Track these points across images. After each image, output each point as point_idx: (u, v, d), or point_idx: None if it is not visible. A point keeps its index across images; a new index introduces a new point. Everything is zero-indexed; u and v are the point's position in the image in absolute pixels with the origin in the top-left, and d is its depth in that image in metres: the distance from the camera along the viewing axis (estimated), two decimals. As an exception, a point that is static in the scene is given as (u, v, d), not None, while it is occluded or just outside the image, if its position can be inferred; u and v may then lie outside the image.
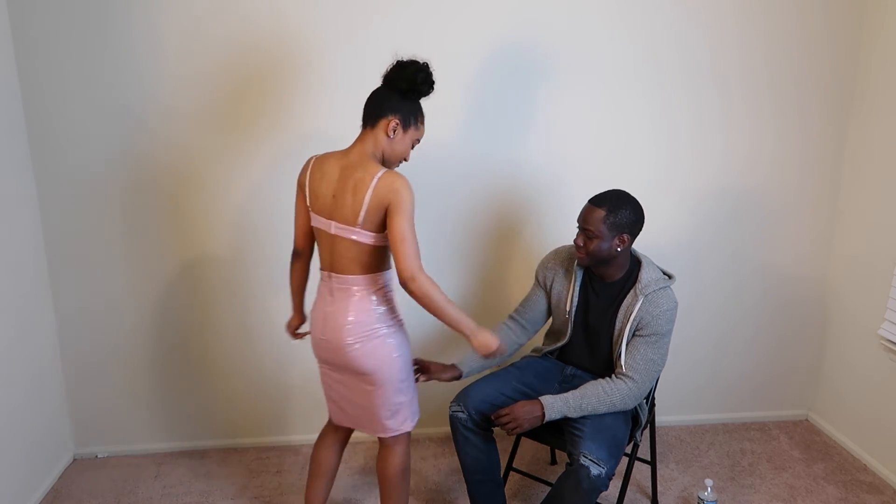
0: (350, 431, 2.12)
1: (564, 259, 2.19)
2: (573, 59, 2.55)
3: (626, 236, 1.99)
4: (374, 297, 1.86)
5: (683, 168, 2.70)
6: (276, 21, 2.39)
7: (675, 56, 2.58)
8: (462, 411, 2.06)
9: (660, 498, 2.46)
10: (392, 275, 1.89)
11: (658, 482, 2.49)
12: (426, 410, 2.81)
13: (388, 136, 1.80)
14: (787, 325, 2.93)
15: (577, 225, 2.03)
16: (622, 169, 2.66)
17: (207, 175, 2.51)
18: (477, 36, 2.49)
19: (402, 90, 1.79)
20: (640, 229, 2.04)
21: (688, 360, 2.89)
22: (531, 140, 2.61)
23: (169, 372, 2.70)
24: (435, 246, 2.67)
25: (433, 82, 1.81)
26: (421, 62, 1.80)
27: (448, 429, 2.14)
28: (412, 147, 1.87)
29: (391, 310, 1.91)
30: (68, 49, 2.34)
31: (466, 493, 2.19)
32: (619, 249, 2.00)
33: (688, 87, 2.62)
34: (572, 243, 2.17)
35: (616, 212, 1.97)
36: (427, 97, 1.84)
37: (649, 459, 2.43)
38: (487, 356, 1.87)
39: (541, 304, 2.24)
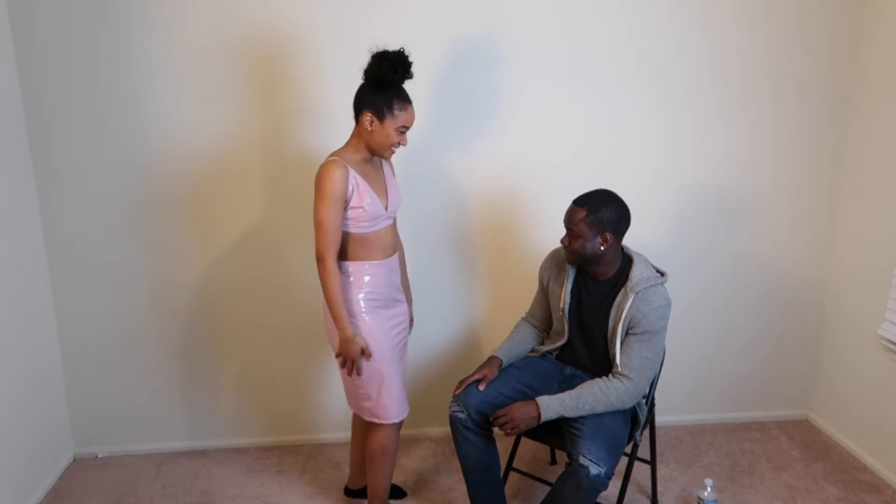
0: None
1: (560, 259, 2.21)
2: (573, 59, 2.55)
3: (608, 235, 2.00)
4: (345, 284, 2.01)
5: (683, 168, 2.70)
6: (275, 21, 2.40)
7: (674, 56, 2.58)
8: (462, 411, 2.06)
9: (660, 498, 2.46)
10: (356, 269, 2.01)
11: (658, 482, 2.49)
12: (426, 410, 2.83)
13: (367, 129, 1.93)
14: (787, 325, 2.93)
15: (564, 225, 2.06)
16: (622, 169, 2.65)
17: (207, 174, 2.52)
18: (476, 36, 2.49)
19: (374, 83, 1.90)
20: (626, 228, 2.05)
21: (688, 360, 2.89)
22: (531, 139, 2.61)
23: (169, 372, 2.70)
24: (439, 241, 2.67)
25: (401, 69, 1.88)
26: (392, 50, 1.87)
27: (448, 429, 2.14)
28: (400, 132, 1.94)
29: (352, 303, 2.01)
30: (69, 51, 2.35)
31: (466, 493, 2.18)
32: (602, 248, 2.01)
33: (687, 87, 2.61)
34: None
35: (597, 211, 1.98)
36: (401, 83, 1.90)
37: (649, 459, 2.43)
38: (338, 355, 1.99)
39: (543, 303, 2.29)
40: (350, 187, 1.91)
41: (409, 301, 2.29)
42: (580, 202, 2.03)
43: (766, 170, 2.74)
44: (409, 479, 2.59)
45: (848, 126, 2.73)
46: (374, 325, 2.03)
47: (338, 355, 2.00)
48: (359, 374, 2.01)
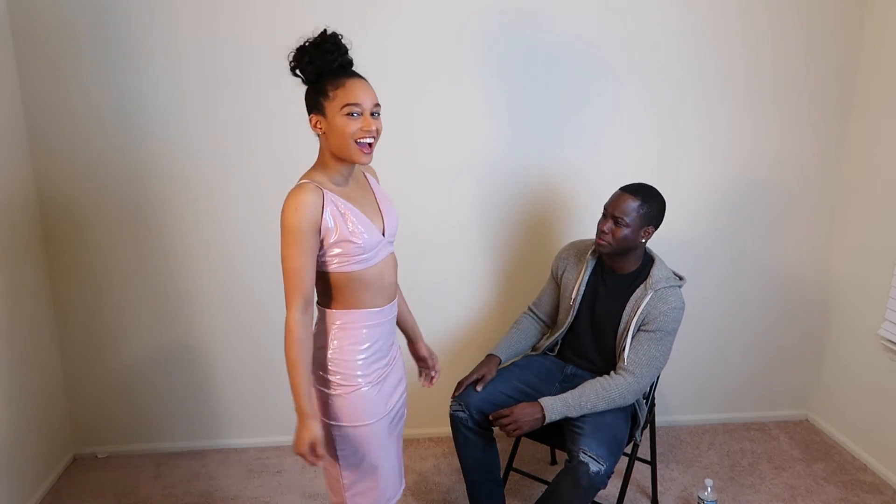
0: None
1: (579, 250, 2.23)
2: (575, 59, 2.55)
3: (651, 228, 2.04)
4: (324, 334, 1.58)
5: (683, 168, 2.70)
6: (273, 23, 2.40)
7: (676, 55, 2.58)
8: (462, 411, 2.06)
9: (660, 498, 2.46)
10: (351, 321, 1.56)
11: (658, 482, 2.49)
12: (426, 410, 2.83)
13: (321, 134, 1.52)
14: (788, 325, 2.93)
15: (605, 211, 2.05)
16: (623, 168, 2.65)
17: (207, 177, 2.52)
18: (483, 37, 2.49)
19: (307, 81, 1.53)
20: (660, 224, 2.09)
21: (688, 360, 2.89)
22: (534, 140, 2.62)
23: (169, 372, 2.70)
24: (443, 239, 2.67)
25: (304, 57, 1.48)
26: (313, 38, 1.49)
27: (448, 429, 2.14)
28: (349, 115, 1.46)
29: (347, 365, 1.56)
30: (69, 49, 2.35)
31: (466, 493, 2.18)
32: (642, 240, 2.04)
33: (689, 87, 2.62)
34: (586, 238, 2.21)
35: (649, 203, 2.01)
36: (333, 66, 1.49)
37: (649, 459, 2.43)
38: (296, 452, 1.56)
39: (553, 295, 2.29)
40: (327, 216, 1.47)
41: (419, 338, 1.91)
42: (633, 191, 2.03)
43: (766, 170, 2.74)
44: (409, 479, 2.59)
45: (848, 125, 2.73)
46: (376, 400, 1.59)
47: (297, 452, 1.55)
48: (314, 463, 1.55)
